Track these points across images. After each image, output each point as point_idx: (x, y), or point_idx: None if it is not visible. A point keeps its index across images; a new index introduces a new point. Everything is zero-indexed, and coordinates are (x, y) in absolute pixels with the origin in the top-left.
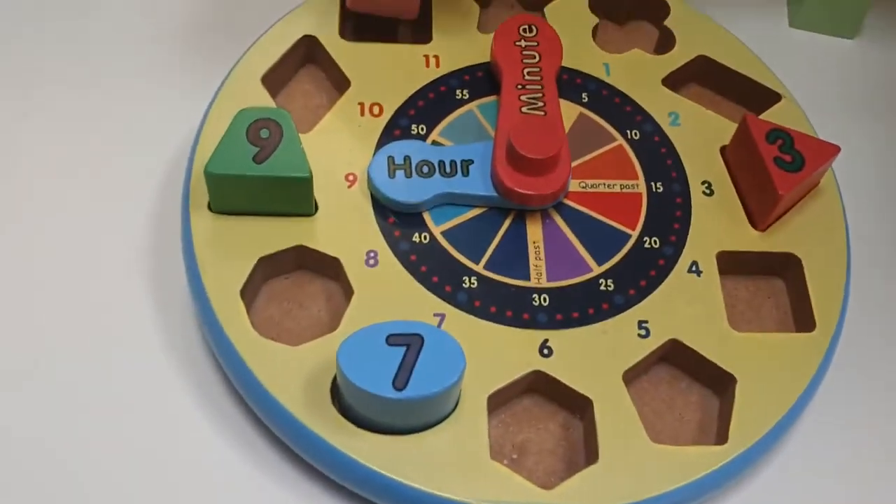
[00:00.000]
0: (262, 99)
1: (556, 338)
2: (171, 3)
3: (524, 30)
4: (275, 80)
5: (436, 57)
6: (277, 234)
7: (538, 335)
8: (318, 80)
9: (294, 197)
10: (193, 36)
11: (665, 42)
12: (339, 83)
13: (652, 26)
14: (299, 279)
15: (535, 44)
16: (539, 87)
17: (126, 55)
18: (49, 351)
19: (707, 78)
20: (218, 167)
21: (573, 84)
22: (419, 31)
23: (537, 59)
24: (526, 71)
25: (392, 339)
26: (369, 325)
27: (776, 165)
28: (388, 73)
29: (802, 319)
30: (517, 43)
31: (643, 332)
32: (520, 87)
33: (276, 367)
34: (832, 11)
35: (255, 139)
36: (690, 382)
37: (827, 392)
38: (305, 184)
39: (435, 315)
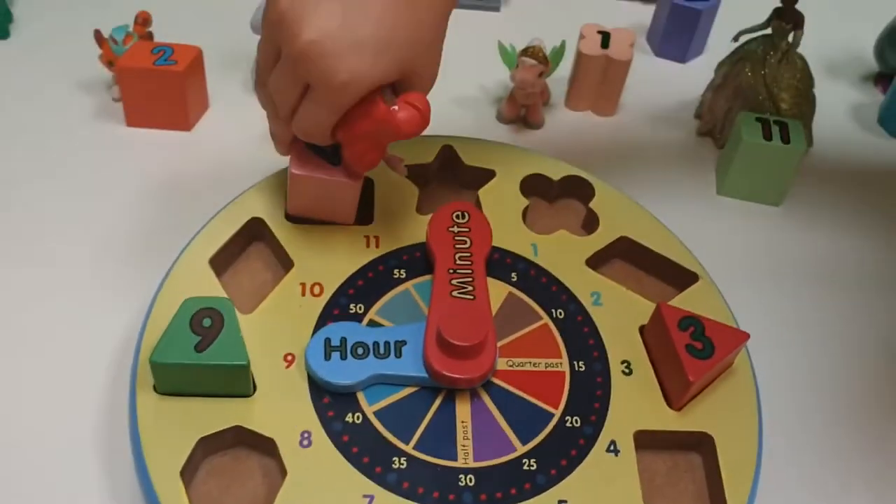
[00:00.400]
0: (209, 280)
1: None
2: (127, 181)
3: (457, 216)
4: (223, 259)
5: (376, 237)
6: (217, 415)
7: None
8: (265, 256)
9: (233, 381)
10: (149, 216)
11: (590, 221)
12: (284, 261)
13: (580, 204)
14: (238, 455)
15: (467, 230)
16: (469, 270)
17: (79, 236)
18: None
19: (629, 256)
20: (162, 357)
21: (503, 264)
22: (362, 212)
23: (469, 244)
24: (457, 255)
25: None
26: None
27: (687, 353)
28: (330, 253)
29: (716, 497)
30: (450, 229)
31: None
32: (451, 270)
33: None
34: (757, 182)
35: (197, 328)
36: None
37: None
38: (243, 371)
39: (364, 496)
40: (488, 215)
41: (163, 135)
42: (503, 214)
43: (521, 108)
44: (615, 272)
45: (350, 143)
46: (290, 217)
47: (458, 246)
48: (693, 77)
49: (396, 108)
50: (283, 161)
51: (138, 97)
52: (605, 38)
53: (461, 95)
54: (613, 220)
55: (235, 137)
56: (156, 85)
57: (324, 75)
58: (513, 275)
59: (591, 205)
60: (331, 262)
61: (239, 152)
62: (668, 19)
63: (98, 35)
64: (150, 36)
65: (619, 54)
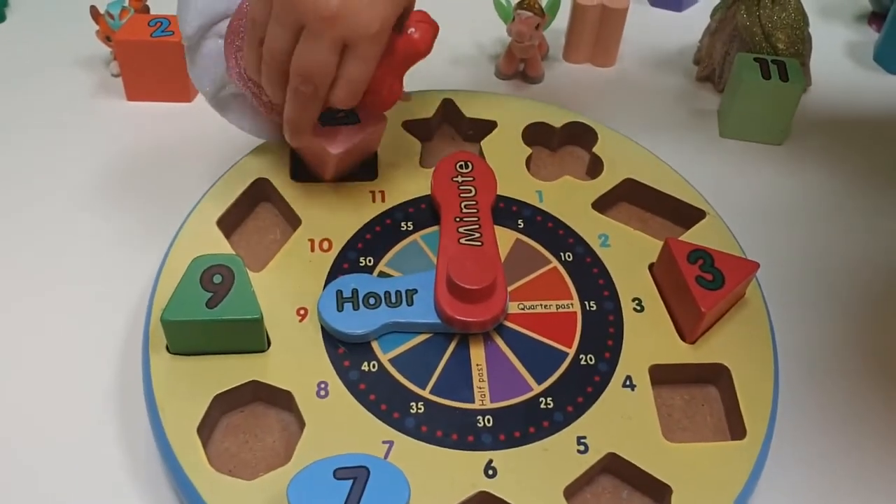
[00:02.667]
0: (218, 241)
1: (500, 458)
2: (130, 152)
3: (461, 166)
4: (230, 220)
5: (381, 192)
6: (232, 372)
7: (483, 456)
8: (272, 216)
9: (246, 336)
10: (152, 183)
11: (594, 167)
12: (292, 220)
13: (583, 150)
14: (254, 411)
15: (472, 178)
16: (476, 218)
17: (88, 203)
18: (17, 486)
19: (635, 198)
20: (173, 314)
21: (509, 211)
22: (366, 168)
23: (473, 192)
24: (463, 204)
25: (339, 473)
26: (318, 461)
27: (698, 284)
28: (336, 209)
29: (735, 426)
30: (454, 179)
31: (582, 447)
32: (458, 219)
33: (233, 502)
34: (758, 121)
35: (208, 285)
36: (631, 491)
37: (760, 498)
38: (256, 324)
39: (384, 442)
40: (492, 165)
41: (164, 107)
42: (507, 164)
43: (520, 63)
44: (622, 214)
45: (376, 85)
46: (295, 176)
47: (462, 195)
48: (690, 25)
49: (412, 30)
50: None
51: (138, 70)
52: None
53: (459, 53)
54: (617, 163)
55: None
56: (155, 57)
57: (363, 29)
58: (519, 222)
59: (595, 150)
60: (338, 217)
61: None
62: None
63: (94, 11)
64: (146, 10)
65: (615, 2)
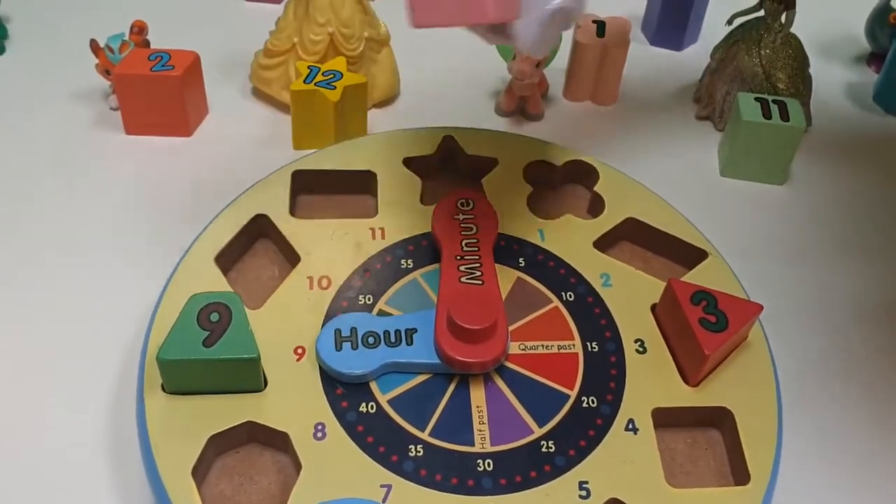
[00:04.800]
0: (215, 278)
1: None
2: (128, 187)
3: (462, 204)
4: (229, 257)
5: (381, 229)
6: (228, 412)
7: (483, 502)
8: (271, 253)
9: (243, 376)
10: (150, 218)
11: (596, 205)
12: (291, 257)
13: (584, 189)
14: (250, 452)
15: (473, 216)
16: (477, 257)
17: (84, 237)
18: None
19: (637, 237)
20: (169, 353)
21: (511, 250)
22: (366, 206)
23: (475, 230)
24: (464, 243)
25: None
26: None
27: (701, 326)
28: (336, 246)
29: (738, 471)
30: (455, 217)
31: (584, 492)
32: (458, 258)
33: None
34: (759, 161)
35: (205, 323)
36: None
37: None
38: (253, 364)
39: (382, 486)
40: (493, 203)
41: (163, 141)
42: (508, 202)
43: (520, 100)
44: (623, 253)
45: None
46: (294, 212)
47: (464, 233)
48: (690, 63)
49: None
50: (285, 160)
51: (136, 104)
52: (601, 26)
53: (460, 91)
54: (619, 202)
55: (236, 141)
56: (154, 91)
57: None
58: (520, 260)
59: (596, 188)
60: (337, 255)
61: (240, 156)
62: (662, 8)
63: (94, 44)
64: (146, 44)
65: (615, 42)
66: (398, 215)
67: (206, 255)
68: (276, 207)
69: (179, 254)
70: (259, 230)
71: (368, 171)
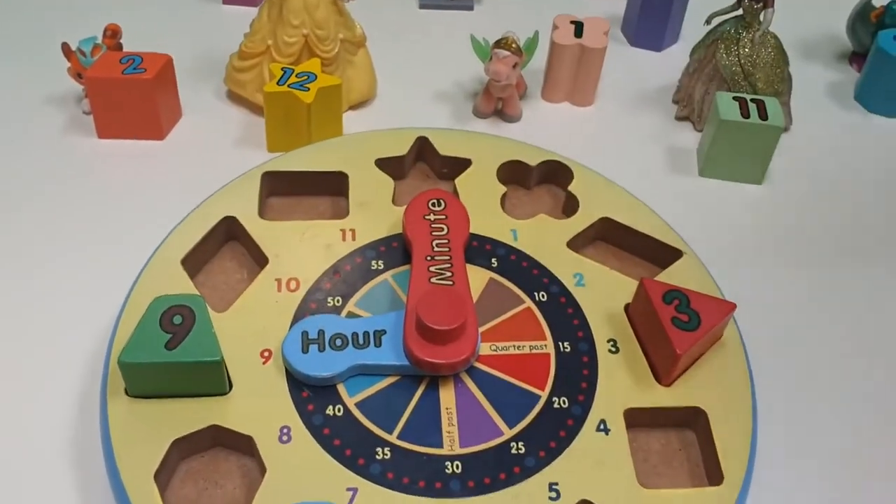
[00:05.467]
0: (182, 281)
1: None
2: (99, 190)
3: (433, 204)
4: (196, 259)
5: (352, 231)
6: (192, 416)
7: None
8: (239, 255)
9: (207, 379)
10: (119, 221)
11: (570, 205)
12: (259, 259)
13: (559, 189)
14: (215, 456)
15: (444, 217)
16: (448, 258)
17: (51, 239)
18: None
19: (611, 237)
20: (131, 356)
21: (483, 250)
22: (337, 207)
23: (446, 231)
24: (435, 243)
25: None
26: None
27: (674, 325)
28: (306, 248)
29: (712, 472)
30: (426, 217)
31: (553, 494)
32: (429, 258)
33: None
34: (737, 160)
35: (168, 326)
36: None
37: None
38: (216, 367)
39: (348, 489)
40: (466, 204)
41: (135, 145)
42: (481, 202)
43: (498, 102)
44: (598, 253)
45: None
46: (263, 214)
47: (434, 233)
48: (670, 64)
49: None
50: (259, 162)
51: (109, 108)
52: (579, 27)
53: (436, 92)
54: (593, 202)
55: (209, 145)
56: (126, 94)
57: None
58: (493, 261)
59: (571, 188)
60: (307, 257)
61: (213, 159)
62: (642, 9)
63: (66, 48)
64: (119, 47)
65: (593, 42)
66: (369, 216)
67: (172, 257)
68: (245, 209)
69: (147, 256)
70: (228, 232)
71: (340, 173)
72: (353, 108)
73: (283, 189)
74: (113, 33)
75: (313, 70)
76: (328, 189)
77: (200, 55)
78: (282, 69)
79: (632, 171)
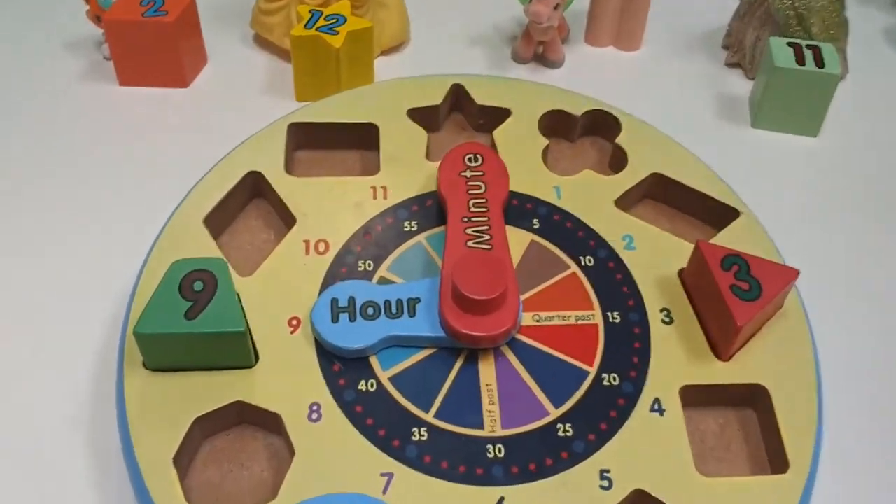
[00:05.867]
0: (205, 241)
1: (513, 495)
2: (119, 142)
3: (469, 159)
4: (220, 218)
5: (383, 188)
6: (215, 391)
7: (493, 492)
8: (266, 213)
9: (230, 351)
10: (139, 175)
11: (618, 160)
12: (287, 218)
13: (605, 141)
14: (241, 434)
15: (481, 174)
16: (485, 218)
17: (70, 195)
18: None
19: (662, 195)
20: (147, 326)
21: (523, 210)
22: (367, 162)
23: (483, 189)
24: (472, 202)
25: None
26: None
27: (733, 294)
28: (335, 207)
29: (775, 456)
30: (462, 174)
31: (605, 483)
32: (465, 219)
33: None
34: (792, 111)
35: (188, 293)
36: None
37: None
38: (240, 338)
39: (382, 475)
40: (505, 158)
41: (158, 93)
42: (521, 156)
43: (538, 46)
44: (648, 212)
45: None
46: (290, 169)
47: (471, 192)
48: (720, 5)
49: None
50: (283, 112)
51: (129, 53)
52: None
53: (473, 35)
54: (643, 156)
55: (235, 93)
56: (147, 38)
57: None
58: (534, 221)
59: (618, 141)
60: (336, 216)
61: (240, 108)
62: None
63: None
64: None
65: None
66: (401, 172)
67: (194, 216)
68: (271, 164)
69: (167, 214)
70: (253, 189)
71: (370, 124)
72: (384, 52)
73: (310, 141)
74: None
75: (342, 12)
76: (358, 142)
77: None
78: (310, 11)
79: (681, 122)
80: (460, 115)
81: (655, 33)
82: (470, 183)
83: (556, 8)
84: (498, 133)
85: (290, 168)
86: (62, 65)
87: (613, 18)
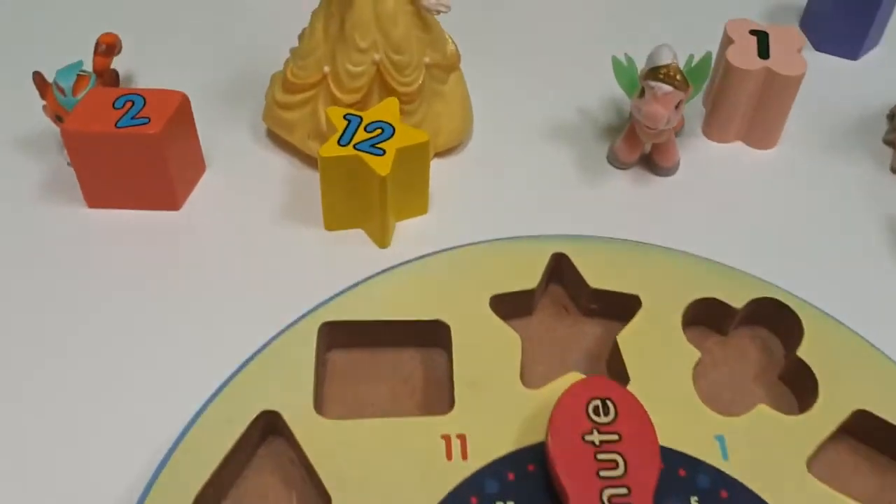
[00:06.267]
0: None
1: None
2: (73, 296)
3: (595, 410)
4: (218, 486)
5: (460, 438)
6: None
7: None
8: (286, 465)
9: None
10: (105, 365)
11: (797, 376)
12: (317, 485)
13: (769, 334)
14: None
15: (616, 436)
16: None
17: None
18: None
19: (865, 434)
20: None
21: (673, 479)
22: (432, 384)
23: (622, 469)
24: (607, 495)
25: None
26: None
27: None
28: (386, 475)
29: None
30: (587, 438)
31: None
32: None
33: None
34: None
35: None
36: None
37: None
38: None
39: None
40: (636, 380)
41: (139, 218)
42: (661, 379)
43: (645, 145)
44: (844, 461)
45: None
46: (321, 408)
47: (603, 473)
48: (871, 78)
49: None
50: (314, 244)
51: (98, 170)
52: (763, 41)
53: (551, 126)
54: (838, 379)
55: (243, 216)
56: (121, 154)
57: None
58: (692, 500)
59: (801, 353)
60: (389, 491)
61: (250, 238)
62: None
63: (39, 79)
64: (114, 76)
65: (785, 66)
66: (486, 410)
67: (182, 490)
68: (293, 399)
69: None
70: (266, 434)
71: (436, 322)
72: (438, 154)
73: (349, 339)
74: (108, 48)
75: (389, 118)
76: (416, 339)
77: (234, 71)
78: (344, 118)
79: (846, 285)
80: (559, 286)
81: (790, 120)
82: (600, 457)
83: (676, 108)
84: (625, 337)
85: (319, 403)
86: (16, 170)
87: (746, 109)
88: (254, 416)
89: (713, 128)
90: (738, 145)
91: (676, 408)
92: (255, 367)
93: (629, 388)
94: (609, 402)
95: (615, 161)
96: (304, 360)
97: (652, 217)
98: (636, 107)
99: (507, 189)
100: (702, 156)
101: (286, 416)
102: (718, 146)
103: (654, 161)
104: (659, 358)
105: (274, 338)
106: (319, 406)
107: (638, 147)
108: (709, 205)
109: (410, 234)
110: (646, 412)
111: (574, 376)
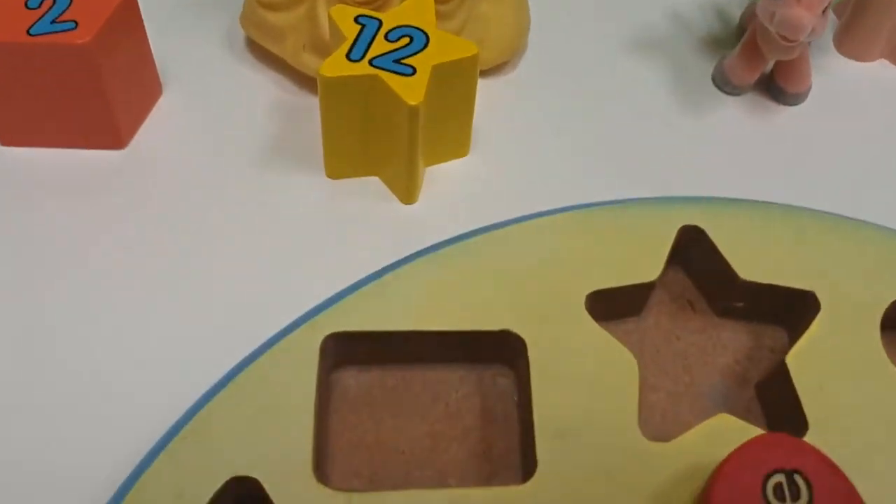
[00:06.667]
0: None
1: None
2: None
3: (777, 490)
4: None
5: None
6: None
7: None
8: None
9: None
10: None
11: None
12: None
13: None
14: None
15: None
16: None
17: None
18: None
19: None
20: None
21: None
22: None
23: None
24: None
25: None
26: None
27: None
28: None
29: None
30: None
31: None
32: None
33: None
34: None
35: None
36: None
37: None
38: None
39: None
40: (817, 426)
41: (73, 158)
42: (862, 424)
43: (767, 64)
44: None
45: None
46: (323, 474)
47: None
48: None
49: None
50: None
51: (9, 97)
52: None
53: (637, 36)
54: None
55: (213, 159)
56: (41, 73)
57: None
58: None
59: None
60: None
61: (220, 189)
62: None
63: None
64: None
65: None
66: (588, 475)
67: None
68: (280, 458)
69: None
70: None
71: (506, 333)
72: (484, 73)
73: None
74: None
75: (421, 22)
76: (468, 356)
77: None
78: (356, 21)
79: None
80: (679, 271)
81: None
82: None
83: (823, 12)
84: (795, 357)
85: (321, 462)
86: None
87: (892, 18)
88: (215, 489)
89: (847, 39)
90: (879, 65)
91: (888, 475)
92: (217, 408)
93: (808, 438)
94: (799, 479)
95: (725, 84)
96: (298, 392)
97: (785, 163)
98: (766, 9)
99: (574, 124)
100: (831, 75)
101: (268, 486)
102: (851, 65)
103: (779, 85)
104: (853, 390)
105: (249, 359)
106: (321, 467)
107: (759, 65)
108: (857, 147)
109: (445, 186)
110: (856, 492)
111: (724, 421)
